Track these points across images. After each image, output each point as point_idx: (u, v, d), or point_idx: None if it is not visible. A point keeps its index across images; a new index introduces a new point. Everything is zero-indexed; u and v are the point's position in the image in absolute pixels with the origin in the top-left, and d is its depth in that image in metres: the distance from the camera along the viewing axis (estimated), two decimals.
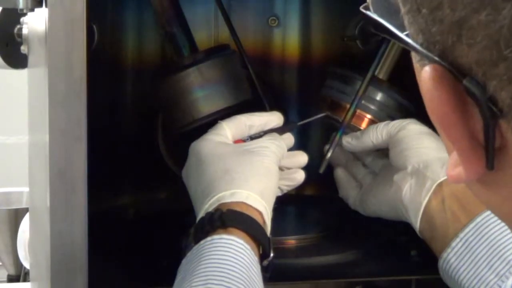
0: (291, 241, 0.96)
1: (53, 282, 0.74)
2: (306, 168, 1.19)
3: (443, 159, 0.86)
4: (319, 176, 1.00)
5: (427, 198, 0.84)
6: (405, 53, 1.02)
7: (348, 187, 0.98)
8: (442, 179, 0.84)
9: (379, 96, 1.00)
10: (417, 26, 0.41)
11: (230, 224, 0.77)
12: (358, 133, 0.96)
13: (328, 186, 1.14)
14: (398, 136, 0.91)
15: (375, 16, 0.43)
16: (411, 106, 1.01)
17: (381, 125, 0.94)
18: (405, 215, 0.86)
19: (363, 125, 1.00)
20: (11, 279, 1.86)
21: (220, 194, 0.81)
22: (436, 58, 0.40)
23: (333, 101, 1.02)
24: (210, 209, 0.80)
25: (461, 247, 0.80)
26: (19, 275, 1.85)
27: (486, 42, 0.37)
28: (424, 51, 0.40)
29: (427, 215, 0.84)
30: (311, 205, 1.14)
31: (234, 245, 0.75)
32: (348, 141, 0.97)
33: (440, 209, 0.83)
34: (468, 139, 0.40)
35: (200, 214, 0.82)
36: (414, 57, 0.43)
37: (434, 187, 0.84)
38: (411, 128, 0.91)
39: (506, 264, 0.77)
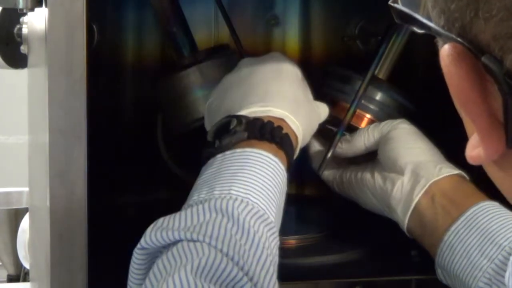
0: (291, 241, 0.96)
1: (53, 282, 0.74)
2: (306, 168, 1.20)
3: (436, 161, 0.87)
4: (319, 176, 1.00)
5: (419, 196, 0.85)
6: (405, 53, 1.02)
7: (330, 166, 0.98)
8: (435, 179, 0.85)
9: (379, 96, 1.00)
10: (439, 7, 0.42)
11: (279, 141, 0.77)
12: (348, 136, 0.96)
13: (328, 186, 1.14)
14: (389, 135, 0.91)
15: (402, 8, 0.45)
16: (411, 106, 1.01)
17: (372, 126, 0.94)
18: (390, 211, 0.88)
19: (363, 125, 1.00)
20: (11, 279, 1.86)
21: (271, 108, 0.82)
22: (456, 37, 0.40)
23: (333, 101, 1.02)
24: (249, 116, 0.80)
25: (453, 239, 0.81)
26: (19, 275, 1.85)
27: (502, 14, 0.38)
28: (445, 32, 0.41)
29: (416, 212, 0.85)
30: (311, 205, 1.14)
31: (279, 167, 0.76)
32: (339, 145, 0.97)
33: (430, 206, 0.84)
34: (487, 116, 0.41)
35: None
36: (439, 43, 0.44)
37: (427, 185, 0.85)
38: (403, 127, 0.92)
39: (498, 248, 0.78)
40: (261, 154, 0.75)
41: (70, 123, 0.73)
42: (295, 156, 0.82)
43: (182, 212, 0.69)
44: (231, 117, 0.80)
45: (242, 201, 0.69)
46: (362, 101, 0.99)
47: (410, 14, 0.44)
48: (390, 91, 1.00)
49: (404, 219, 0.86)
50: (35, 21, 0.87)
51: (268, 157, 0.75)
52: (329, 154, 0.98)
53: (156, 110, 1.10)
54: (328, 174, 0.98)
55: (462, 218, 0.81)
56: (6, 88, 2.41)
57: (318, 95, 1.05)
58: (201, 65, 0.96)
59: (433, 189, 0.85)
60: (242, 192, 0.71)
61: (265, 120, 0.79)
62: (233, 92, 0.86)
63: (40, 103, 0.80)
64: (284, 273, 0.87)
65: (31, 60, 0.98)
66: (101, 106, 1.02)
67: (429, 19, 0.43)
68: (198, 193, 0.72)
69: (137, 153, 1.13)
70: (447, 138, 1.03)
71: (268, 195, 0.72)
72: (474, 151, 0.42)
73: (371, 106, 1.00)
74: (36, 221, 0.99)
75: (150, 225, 0.69)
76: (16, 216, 1.76)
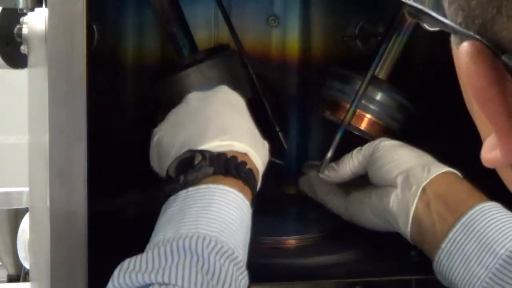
0: (291, 241, 0.96)
1: (53, 282, 0.74)
2: None
3: (423, 164, 0.87)
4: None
5: (414, 205, 0.84)
6: (405, 53, 1.02)
7: (334, 198, 0.98)
8: (425, 182, 0.85)
9: (379, 96, 1.00)
10: (457, 3, 0.41)
11: (236, 173, 0.76)
12: (334, 164, 0.96)
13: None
14: (373, 156, 0.91)
15: (415, 4, 0.44)
16: (411, 106, 1.02)
17: (354, 151, 0.94)
18: (393, 225, 0.88)
19: (363, 125, 1.00)
20: (11, 279, 1.86)
21: (225, 142, 0.80)
22: (475, 35, 0.40)
23: (333, 101, 1.02)
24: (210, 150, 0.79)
25: (450, 246, 0.80)
26: (19, 275, 1.85)
27: None
28: (463, 29, 0.40)
29: (415, 221, 0.85)
30: (311, 205, 1.14)
31: (245, 204, 0.75)
32: (326, 174, 0.97)
33: (426, 212, 0.84)
34: (506, 116, 0.40)
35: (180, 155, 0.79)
36: (453, 40, 0.43)
37: (419, 192, 0.84)
38: (384, 145, 0.92)
39: (495, 256, 0.77)
40: (227, 190, 0.74)
41: (70, 123, 0.73)
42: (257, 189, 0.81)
43: (149, 253, 0.68)
44: (194, 151, 0.78)
45: (210, 240, 0.68)
46: (362, 101, 0.99)
47: (424, 10, 0.43)
48: (390, 91, 1.00)
49: (406, 230, 0.86)
50: (35, 21, 0.87)
51: (234, 194, 0.74)
52: (329, 155, 0.98)
53: (156, 110, 1.10)
54: (337, 206, 0.97)
55: (459, 224, 0.81)
56: (6, 88, 2.41)
57: (318, 95, 1.06)
58: (201, 65, 0.96)
59: (427, 193, 0.84)
60: (210, 231, 0.69)
61: (229, 155, 0.78)
62: (187, 126, 0.84)
63: (40, 103, 0.80)
64: (284, 273, 0.87)
65: (31, 60, 0.98)
66: (101, 106, 1.02)
67: (444, 16, 0.43)
68: (164, 232, 0.71)
69: (137, 153, 1.13)
70: (447, 138, 1.03)
71: (236, 232, 0.71)
72: (490, 153, 0.41)
73: (371, 106, 1.00)
74: (36, 221, 0.99)
75: (117, 267, 0.68)
76: (16, 216, 1.76)
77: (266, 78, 1.14)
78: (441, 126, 1.09)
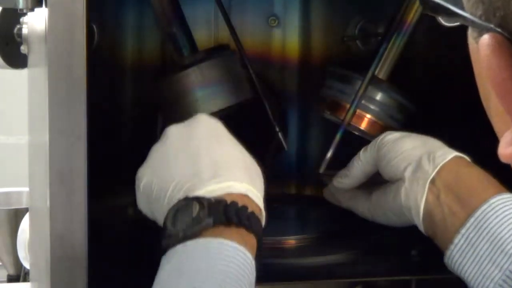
0: (291, 241, 0.96)
1: (53, 282, 0.74)
2: (306, 168, 1.20)
3: (428, 152, 0.86)
4: (319, 176, 1.00)
5: (424, 198, 0.83)
6: (405, 53, 1.02)
7: (358, 202, 0.96)
8: (432, 174, 0.83)
9: (379, 96, 1.00)
10: None
11: (242, 223, 0.71)
12: (345, 170, 0.95)
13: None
14: (380, 152, 0.90)
15: None
16: (411, 106, 1.02)
17: (361, 152, 0.93)
18: (410, 219, 0.86)
19: (363, 125, 1.01)
20: (11, 279, 1.86)
21: (220, 185, 0.74)
22: (496, 28, 0.40)
23: (333, 101, 1.02)
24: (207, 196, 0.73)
25: (463, 243, 0.79)
26: (19, 275, 1.84)
27: None
28: (484, 22, 0.40)
29: (427, 215, 0.83)
30: (311, 205, 1.14)
31: (247, 258, 0.70)
32: (340, 181, 0.95)
33: (437, 205, 0.82)
34: None
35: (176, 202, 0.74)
36: (471, 34, 0.43)
37: (427, 185, 0.83)
38: (388, 139, 0.90)
39: (509, 257, 0.77)
40: (227, 245, 0.70)
41: (70, 123, 0.73)
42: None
43: None
44: (190, 200, 0.73)
45: None
46: (362, 101, 0.99)
47: (442, 4, 0.43)
48: (390, 91, 1.01)
49: (420, 225, 0.84)
50: (35, 21, 0.87)
51: (235, 248, 0.70)
52: (329, 155, 0.98)
53: (156, 110, 1.10)
54: (362, 210, 0.95)
55: (471, 220, 0.79)
56: (6, 88, 2.41)
57: (318, 95, 1.06)
58: (201, 65, 0.96)
59: (436, 185, 0.83)
60: None
61: (228, 201, 0.72)
62: (176, 167, 0.78)
63: (40, 103, 0.80)
64: (284, 273, 0.87)
65: (31, 60, 0.98)
66: (101, 106, 1.02)
67: (462, 9, 0.42)
68: None
69: (137, 153, 1.13)
70: (447, 137, 1.03)
71: None
72: (508, 148, 0.41)
73: (371, 106, 1.00)
74: (36, 221, 0.99)
75: None
76: (16, 216, 1.76)
77: (266, 78, 1.14)
78: (440, 126, 1.09)
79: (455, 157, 0.84)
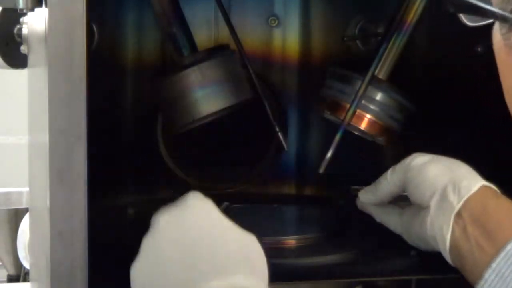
0: (291, 241, 0.96)
1: (53, 282, 0.74)
2: (306, 168, 1.20)
3: (453, 182, 0.83)
4: (319, 176, 1.00)
5: (450, 230, 0.81)
6: (405, 53, 1.02)
7: (390, 219, 0.94)
8: (458, 207, 0.81)
9: (379, 96, 1.00)
10: None
11: None
12: (372, 187, 0.93)
13: (328, 186, 1.14)
14: (408, 176, 0.88)
15: None
16: (411, 106, 1.02)
17: (389, 172, 0.90)
18: (437, 249, 0.84)
19: (363, 125, 1.00)
20: (11, 279, 1.86)
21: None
22: None
23: (333, 101, 1.02)
24: None
25: (494, 278, 0.77)
26: (19, 275, 1.85)
27: None
28: None
29: (453, 245, 0.82)
30: (311, 205, 1.14)
31: None
32: (366, 197, 0.93)
33: (463, 238, 0.80)
34: None
35: None
36: (499, 30, 0.43)
37: (453, 217, 0.81)
38: (415, 164, 0.88)
39: None
40: None
41: (70, 123, 0.73)
42: None
43: None
44: None
45: None
46: (362, 101, 0.99)
47: (467, 1, 0.42)
48: (390, 91, 1.00)
49: (447, 256, 0.82)
50: (35, 21, 0.87)
51: None
52: (329, 155, 0.98)
53: (156, 110, 1.10)
54: (394, 227, 0.93)
55: (502, 255, 0.77)
56: (6, 88, 2.41)
57: (318, 95, 1.06)
58: (201, 65, 0.96)
59: (463, 217, 0.81)
60: None
61: None
62: (173, 267, 0.73)
63: (40, 103, 0.80)
64: (284, 273, 0.87)
65: (31, 60, 0.98)
66: (101, 106, 1.02)
67: (490, 5, 0.42)
68: None
69: (137, 152, 1.13)
70: (447, 137, 1.03)
71: None
72: None
73: (371, 106, 1.00)
74: (36, 221, 0.99)
75: None
76: (16, 216, 1.77)
77: (266, 78, 1.14)
78: (440, 126, 1.09)
79: (482, 187, 0.82)
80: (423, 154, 0.89)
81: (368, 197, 0.94)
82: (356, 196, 0.97)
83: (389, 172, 0.91)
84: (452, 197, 0.82)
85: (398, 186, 0.90)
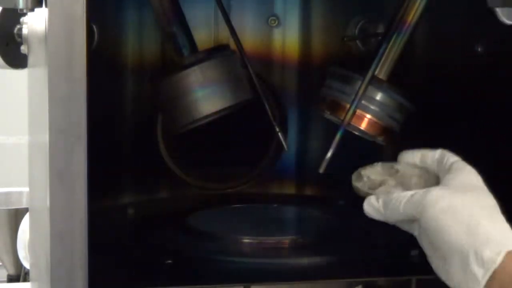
0: (291, 241, 0.96)
1: (53, 282, 0.74)
2: (306, 168, 1.20)
3: (474, 250, 0.77)
4: (319, 176, 1.00)
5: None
6: (405, 53, 1.02)
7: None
8: (484, 282, 0.77)
9: (379, 96, 1.00)
10: None
11: None
12: (380, 206, 0.86)
13: (328, 186, 1.14)
14: (422, 220, 0.81)
15: None
16: (411, 106, 1.01)
17: (403, 203, 0.83)
18: None
19: (363, 125, 1.00)
20: (11, 279, 1.86)
21: None
22: None
23: (333, 101, 1.02)
24: None
25: None
26: (19, 275, 1.85)
27: None
28: None
29: None
30: (311, 205, 1.14)
31: None
32: (371, 213, 0.86)
33: None
34: None
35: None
36: None
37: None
38: (433, 213, 0.80)
39: None
40: None
41: (70, 123, 0.73)
42: None
43: None
44: None
45: None
46: (362, 101, 0.99)
47: None
48: (390, 91, 1.00)
49: None
50: (35, 21, 0.87)
51: None
52: (329, 155, 0.98)
53: (156, 110, 1.10)
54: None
55: None
56: (6, 88, 2.41)
57: (318, 95, 1.06)
58: (201, 65, 0.96)
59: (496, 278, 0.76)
60: None
61: None
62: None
63: (40, 103, 0.80)
64: (284, 273, 0.87)
65: (31, 60, 0.98)
66: (101, 106, 1.02)
67: None
68: None
69: (137, 153, 1.13)
70: (446, 137, 1.03)
71: None
72: None
73: (371, 106, 1.00)
74: (36, 221, 0.99)
75: None
76: (16, 216, 1.77)
77: (266, 78, 1.14)
78: (440, 126, 1.09)
79: (507, 254, 0.76)
80: (439, 189, 0.82)
81: (373, 215, 0.87)
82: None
83: (403, 200, 0.83)
84: (477, 269, 0.77)
85: (408, 218, 0.84)
